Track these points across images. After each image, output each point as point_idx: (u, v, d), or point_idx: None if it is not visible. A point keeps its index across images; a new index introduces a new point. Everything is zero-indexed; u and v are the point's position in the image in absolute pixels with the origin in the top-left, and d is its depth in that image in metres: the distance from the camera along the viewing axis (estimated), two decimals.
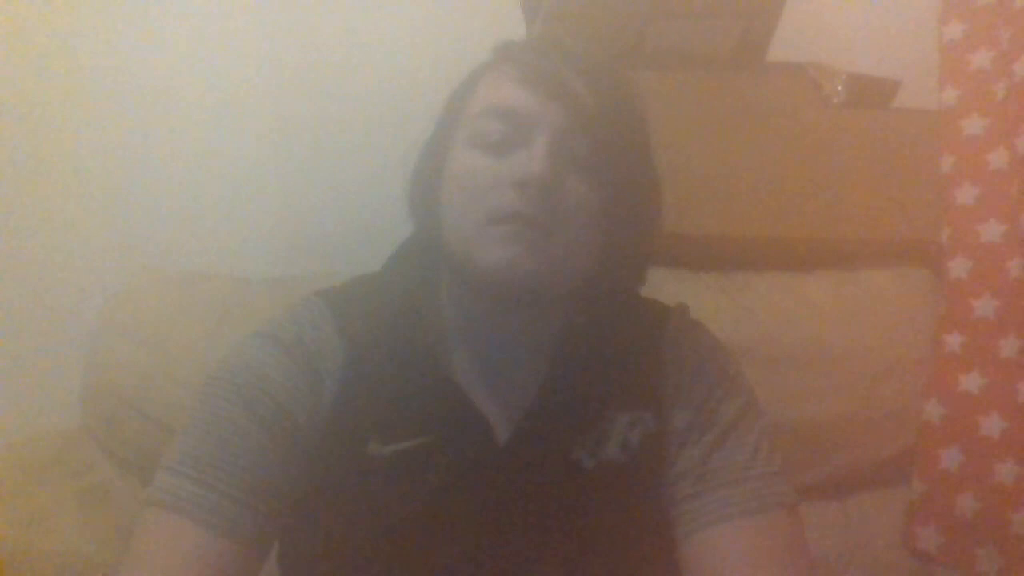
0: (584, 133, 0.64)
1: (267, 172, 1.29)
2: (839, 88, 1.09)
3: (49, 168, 1.27)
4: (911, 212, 1.08)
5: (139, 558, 0.60)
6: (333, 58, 1.28)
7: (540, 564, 0.64)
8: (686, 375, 0.70)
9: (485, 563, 0.63)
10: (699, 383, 0.70)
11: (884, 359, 1.03)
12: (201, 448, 0.62)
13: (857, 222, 1.07)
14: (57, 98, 1.27)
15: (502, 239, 0.61)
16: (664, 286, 1.05)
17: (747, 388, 0.72)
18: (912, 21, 1.19)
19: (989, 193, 1.03)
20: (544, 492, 0.65)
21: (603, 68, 0.69)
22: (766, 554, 0.63)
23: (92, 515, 0.92)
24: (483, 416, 0.66)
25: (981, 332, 1.01)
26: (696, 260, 1.10)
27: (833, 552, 1.01)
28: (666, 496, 0.67)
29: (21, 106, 1.26)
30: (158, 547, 0.60)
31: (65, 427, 1.05)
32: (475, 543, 0.63)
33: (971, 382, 1.00)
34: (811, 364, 1.02)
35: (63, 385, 1.06)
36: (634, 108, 0.69)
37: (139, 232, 1.28)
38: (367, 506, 0.64)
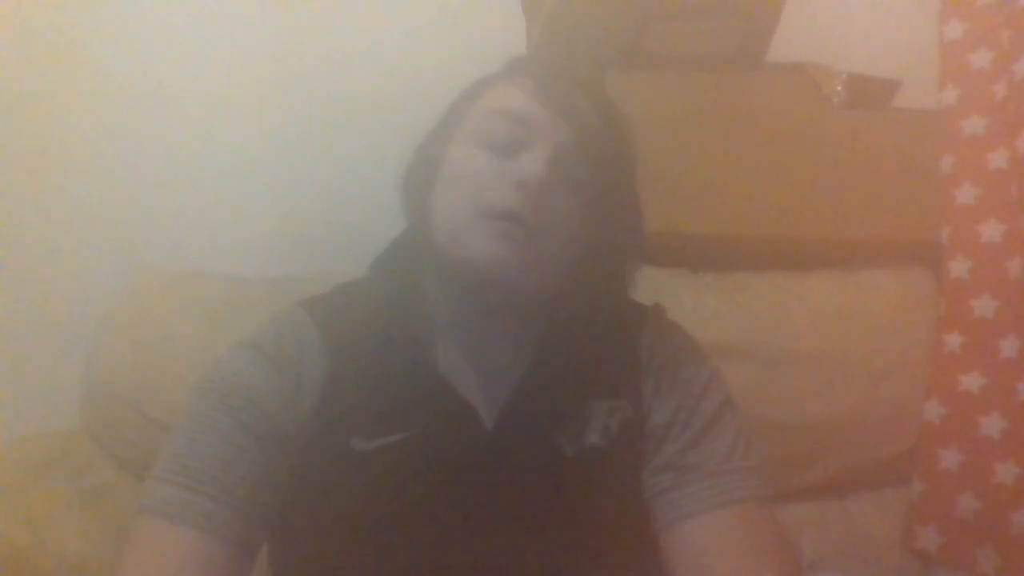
0: (584, 153, 0.67)
1: (267, 172, 1.29)
2: (839, 88, 1.09)
3: (49, 168, 1.27)
4: (911, 212, 1.08)
5: (132, 565, 0.61)
6: (334, 58, 1.28)
7: (525, 549, 0.65)
8: (665, 373, 0.73)
9: (472, 549, 0.64)
10: (679, 381, 0.72)
11: (884, 359, 1.03)
12: (189, 456, 0.64)
13: (857, 222, 1.07)
14: (57, 98, 1.27)
15: (491, 235, 0.63)
16: (664, 286, 1.06)
17: (724, 386, 0.75)
18: (912, 21, 1.19)
19: (989, 193, 1.03)
20: (528, 478, 0.67)
21: (607, 98, 0.73)
22: (742, 543, 0.66)
23: (92, 515, 0.92)
24: (469, 404, 0.68)
25: (981, 332, 1.01)
26: (696, 260, 1.10)
27: (833, 552, 1.01)
28: (647, 488, 0.70)
29: (21, 106, 1.26)
30: (150, 553, 0.62)
31: (65, 427, 1.05)
32: (462, 530, 0.65)
33: (971, 382, 1.00)
34: (811, 364, 1.03)
35: (63, 385, 1.06)
36: (628, 139, 0.73)
37: (139, 232, 1.28)
38: (355, 501, 0.65)
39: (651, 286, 1.05)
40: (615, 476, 0.69)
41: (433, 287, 0.72)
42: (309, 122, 1.28)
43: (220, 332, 0.99)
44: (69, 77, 1.27)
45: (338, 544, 0.65)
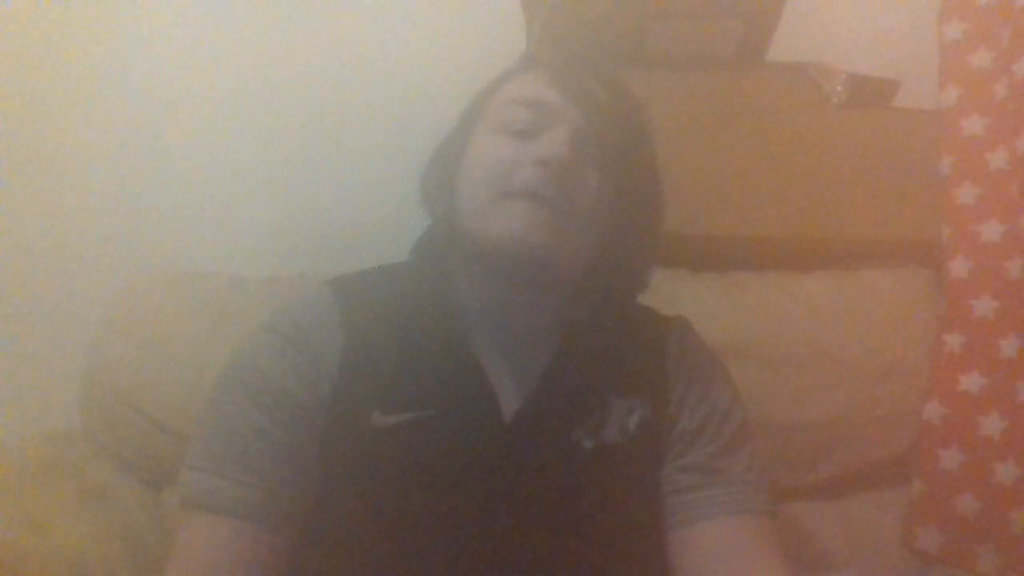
0: (601, 134, 0.69)
1: (267, 172, 1.29)
2: (839, 88, 1.09)
3: (49, 168, 1.27)
4: (911, 212, 1.07)
5: (172, 555, 0.64)
6: (333, 59, 1.28)
7: (537, 540, 0.65)
8: (695, 384, 0.74)
9: (485, 536, 0.65)
10: (711, 391, 0.75)
11: (884, 359, 1.03)
12: (214, 442, 0.66)
13: (857, 222, 1.07)
14: (57, 98, 1.27)
15: (514, 213, 0.65)
16: (664, 286, 1.05)
17: (744, 402, 0.78)
18: (912, 21, 1.19)
19: (989, 193, 1.03)
20: (544, 471, 0.67)
21: (622, 85, 0.75)
22: (756, 551, 0.68)
23: (92, 515, 0.91)
24: (491, 390, 0.69)
25: (981, 332, 1.00)
26: (696, 260, 1.10)
27: (833, 552, 1.00)
28: (670, 484, 0.71)
29: (21, 106, 1.26)
30: (182, 541, 0.64)
31: (65, 427, 1.05)
32: (475, 517, 0.65)
33: (971, 382, 1.00)
34: (811, 364, 1.02)
35: (63, 385, 1.06)
36: (644, 122, 0.75)
37: (139, 232, 1.27)
38: (371, 477, 0.66)
39: (651, 286, 1.05)
40: (630, 474, 0.70)
41: (463, 276, 0.73)
42: (309, 123, 1.28)
43: (220, 332, 0.99)
44: (70, 78, 1.27)
45: (353, 520, 0.65)
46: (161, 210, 1.28)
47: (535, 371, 0.71)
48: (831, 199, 1.06)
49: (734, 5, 1.06)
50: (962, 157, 1.06)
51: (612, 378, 0.72)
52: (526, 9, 1.14)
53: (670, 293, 1.04)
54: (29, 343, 1.25)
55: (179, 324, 1.02)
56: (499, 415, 0.68)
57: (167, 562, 0.64)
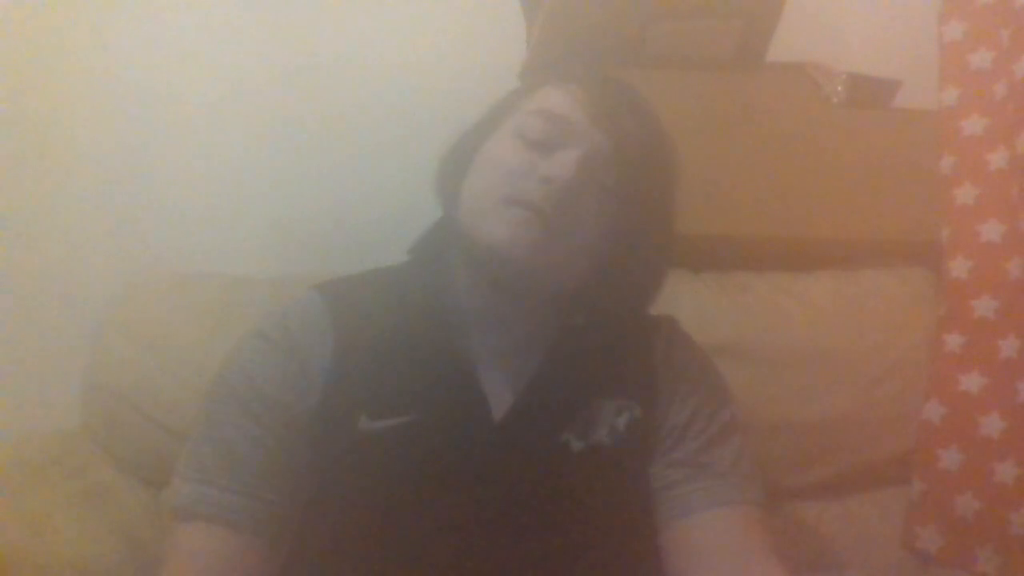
0: (615, 162, 0.68)
1: (267, 172, 1.29)
2: (839, 88, 1.09)
3: (49, 168, 1.27)
4: (911, 212, 1.08)
5: (167, 565, 0.64)
6: (333, 58, 1.28)
7: (527, 542, 0.66)
8: (683, 381, 0.75)
9: (475, 539, 0.65)
10: (698, 386, 0.75)
11: (884, 359, 1.03)
12: (203, 451, 0.66)
13: (857, 222, 1.07)
14: (57, 98, 1.27)
15: (510, 221, 0.64)
16: (664, 286, 1.05)
17: (733, 398, 0.78)
18: (912, 21, 1.19)
19: (989, 193, 1.03)
20: (534, 472, 0.68)
21: (655, 118, 0.74)
22: (748, 541, 0.69)
23: (92, 516, 0.91)
24: (481, 393, 0.69)
25: (981, 332, 1.00)
26: (696, 260, 1.10)
27: (833, 552, 1.01)
28: (660, 479, 0.71)
29: (21, 106, 1.26)
30: (170, 549, 0.65)
31: (65, 427, 1.05)
32: (465, 520, 0.65)
33: (971, 382, 1.00)
34: (811, 364, 1.02)
35: (63, 385, 1.06)
36: (669, 158, 0.74)
37: (139, 232, 1.27)
38: (359, 482, 0.66)
39: None
40: (620, 474, 0.71)
41: (461, 274, 0.73)
42: (309, 122, 1.28)
43: (220, 332, 0.99)
44: (69, 78, 1.27)
45: (344, 527, 0.66)
46: (161, 210, 1.28)
47: (527, 373, 0.71)
48: (831, 199, 1.06)
49: (734, 5, 1.06)
50: (962, 157, 1.06)
51: (601, 380, 0.72)
52: (526, 9, 1.14)
53: (670, 293, 1.03)
54: (29, 343, 1.25)
55: (179, 324, 1.02)
56: (489, 416, 0.68)
57: (159, 569, 0.64)
